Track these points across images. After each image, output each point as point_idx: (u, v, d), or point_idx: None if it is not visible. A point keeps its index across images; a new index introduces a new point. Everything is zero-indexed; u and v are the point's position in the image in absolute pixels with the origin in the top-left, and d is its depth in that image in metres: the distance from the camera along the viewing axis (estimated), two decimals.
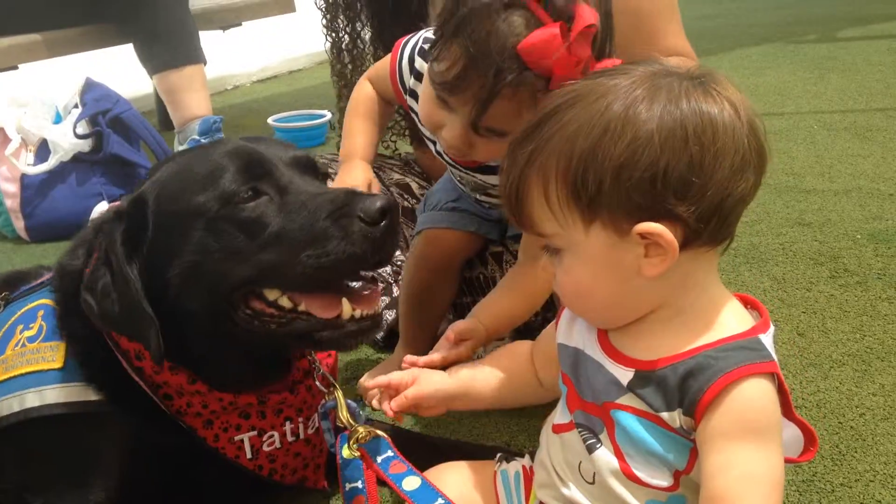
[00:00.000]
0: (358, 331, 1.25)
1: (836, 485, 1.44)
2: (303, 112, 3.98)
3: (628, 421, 1.03)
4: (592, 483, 1.07)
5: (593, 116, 0.97)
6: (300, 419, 1.37)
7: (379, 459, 1.23)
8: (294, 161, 1.31)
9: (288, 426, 1.36)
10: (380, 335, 2.00)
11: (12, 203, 2.97)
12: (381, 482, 1.27)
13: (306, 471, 1.42)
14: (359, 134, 1.67)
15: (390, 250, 1.24)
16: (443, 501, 1.13)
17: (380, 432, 1.31)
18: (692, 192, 0.96)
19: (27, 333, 1.35)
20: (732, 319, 1.03)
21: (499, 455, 1.31)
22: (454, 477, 1.28)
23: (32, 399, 1.30)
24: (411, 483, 1.17)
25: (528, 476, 1.23)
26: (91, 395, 1.28)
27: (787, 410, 1.01)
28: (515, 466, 1.26)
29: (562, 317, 1.19)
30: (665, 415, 1.00)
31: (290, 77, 5.53)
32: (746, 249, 2.42)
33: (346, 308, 1.23)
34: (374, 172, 2.30)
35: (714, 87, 0.99)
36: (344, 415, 1.34)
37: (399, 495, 1.17)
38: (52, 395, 1.28)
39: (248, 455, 1.34)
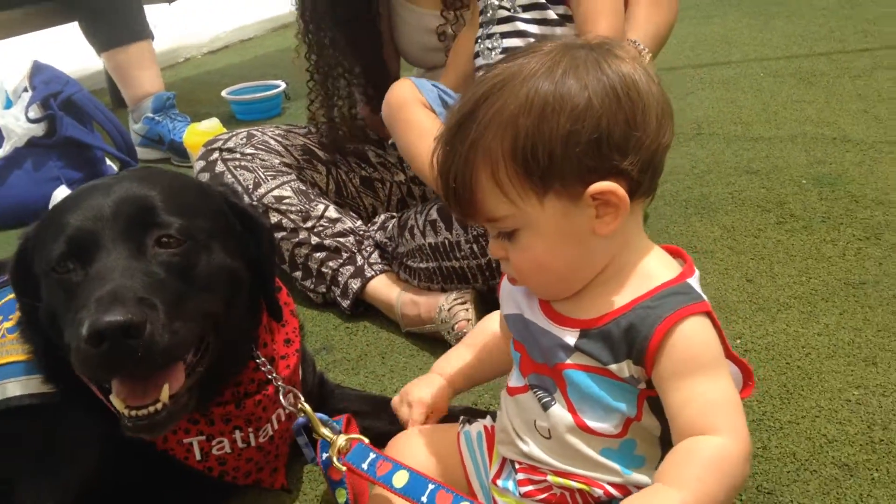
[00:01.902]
0: (133, 428, 1.16)
1: (784, 422, 1.53)
2: (257, 83, 3.96)
3: (579, 378, 1.09)
4: (549, 438, 1.14)
5: (528, 95, 1.03)
6: (249, 429, 1.37)
7: (365, 466, 1.25)
8: (130, 219, 1.21)
9: (238, 434, 1.36)
10: (346, 304, 2.05)
11: None
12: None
13: (261, 473, 1.44)
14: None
15: (130, 369, 1.12)
16: (433, 487, 1.17)
17: (357, 436, 1.32)
18: (632, 145, 1.03)
19: (6, 324, 1.37)
20: (661, 269, 1.11)
21: (462, 418, 1.37)
22: (419, 442, 1.34)
23: (13, 388, 1.34)
24: (401, 479, 1.20)
25: (490, 435, 1.30)
26: (49, 388, 1.31)
27: (724, 348, 1.08)
28: (477, 427, 1.33)
29: (502, 287, 1.24)
30: (613, 367, 1.06)
31: (242, 46, 5.49)
32: (697, 200, 2.49)
33: (118, 404, 1.16)
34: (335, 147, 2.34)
35: (619, 51, 1.07)
36: (321, 430, 1.34)
37: (393, 494, 1.21)
38: (32, 384, 1.32)
39: (198, 457, 1.35)
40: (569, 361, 1.10)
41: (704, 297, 1.08)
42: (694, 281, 1.10)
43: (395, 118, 1.94)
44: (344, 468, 1.28)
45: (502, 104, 1.04)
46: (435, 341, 1.89)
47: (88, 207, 1.22)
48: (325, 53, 2.26)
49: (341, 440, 1.31)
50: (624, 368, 1.06)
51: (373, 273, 2.05)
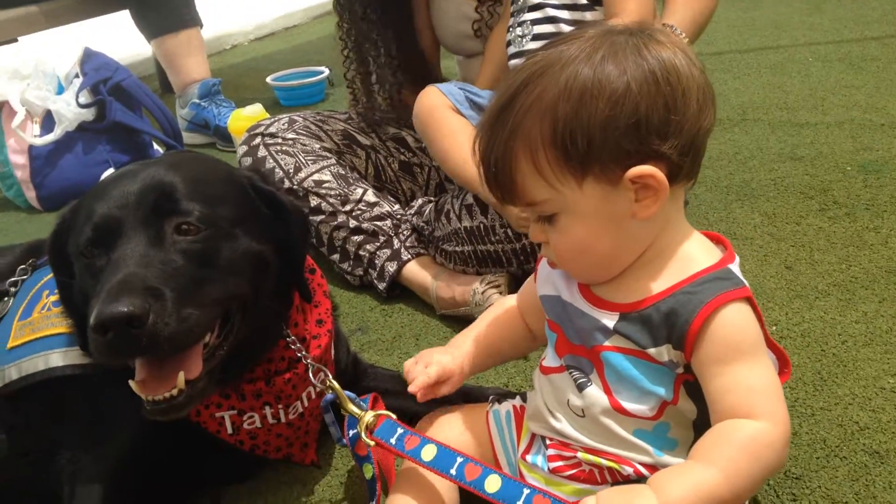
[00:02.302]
0: (152, 411, 1.20)
1: (817, 409, 1.52)
2: (301, 69, 4.01)
3: (617, 360, 1.10)
4: (583, 417, 1.15)
5: (567, 81, 1.03)
6: (279, 406, 1.41)
7: (393, 441, 1.27)
8: (152, 208, 1.24)
9: (268, 410, 1.40)
10: (382, 286, 2.08)
11: (22, 174, 3.04)
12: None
13: (291, 449, 1.48)
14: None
15: (139, 353, 1.16)
16: (462, 460, 1.19)
17: (385, 412, 1.34)
18: (672, 129, 1.03)
19: (52, 298, 1.42)
20: (702, 254, 1.11)
21: (491, 398, 1.40)
22: (449, 420, 1.37)
23: (56, 359, 1.39)
24: (429, 453, 1.22)
25: (519, 414, 1.32)
26: (89, 360, 1.35)
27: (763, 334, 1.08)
28: (506, 406, 1.35)
29: (539, 269, 1.26)
30: (652, 350, 1.07)
31: (287, 33, 5.55)
32: (738, 186, 2.47)
33: (136, 388, 1.20)
34: (373, 128, 2.37)
35: (660, 36, 1.07)
36: (349, 407, 1.37)
37: (422, 468, 1.23)
38: (72, 356, 1.37)
39: (229, 430, 1.39)
40: (607, 343, 1.11)
41: (745, 282, 1.08)
42: (735, 267, 1.11)
43: (426, 124, 1.98)
44: (372, 443, 1.30)
45: (542, 90, 1.05)
46: (469, 323, 1.89)
47: (115, 195, 1.26)
48: (357, 23, 2.30)
49: (369, 416, 1.33)
50: (663, 352, 1.07)
51: (409, 256, 2.08)
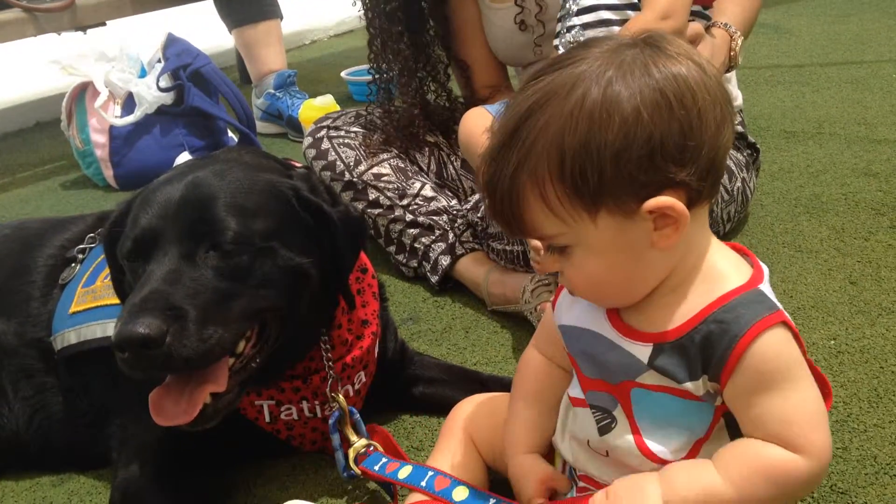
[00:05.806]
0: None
1: (870, 425, 1.47)
2: None
3: (652, 398, 1.04)
4: (606, 456, 1.10)
5: (573, 110, 0.96)
6: (316, 402, 1.44)
7: (376, 468, 1.33)
8: (189, 222, 1.25)
9: (305, 404, 1.43)
10: (435, 279, 2.10)
11: (102, 153, 3.16)
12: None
13: (326, 442, 1.48)
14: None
15: (157, 371, 1.21)
16: (432, 473, 1.22)
17: (375, 444, 1.40)
18: (689, 155, 0.96)
19: None
20: (731, 270, 1.05)
21: None
22: (489, 407, 1.35)
23: (112, 328, 1.44)
24: (404, 472, 1.28)
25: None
26: None
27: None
28: None
29: (560, 297, 1.19)
30: (689, 385, 1.01)
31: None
32: (808, 199, 2.41)
33: (152, 412, 1.24)
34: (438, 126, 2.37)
35: (669, 47, 0.99)
36: (347, 428, 1.41)
37: (398, 485, 1.29)
38: None
39: (267, 419, 1.43)
40: (639, 380, 1.05)
41: (778, 304, 1.02)
42: (765, 285, 1.04)
43: (466, 150, 1.98)
44: (359, 472, 1.37)
45: (547, 121, 0.97)
46: (518, 319, 1.91)
47: (158, 202, 1.28)
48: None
49: (360, 445, 1.39)
50: (700, 386, 1.01)
51: (463, 251, 2.09)
